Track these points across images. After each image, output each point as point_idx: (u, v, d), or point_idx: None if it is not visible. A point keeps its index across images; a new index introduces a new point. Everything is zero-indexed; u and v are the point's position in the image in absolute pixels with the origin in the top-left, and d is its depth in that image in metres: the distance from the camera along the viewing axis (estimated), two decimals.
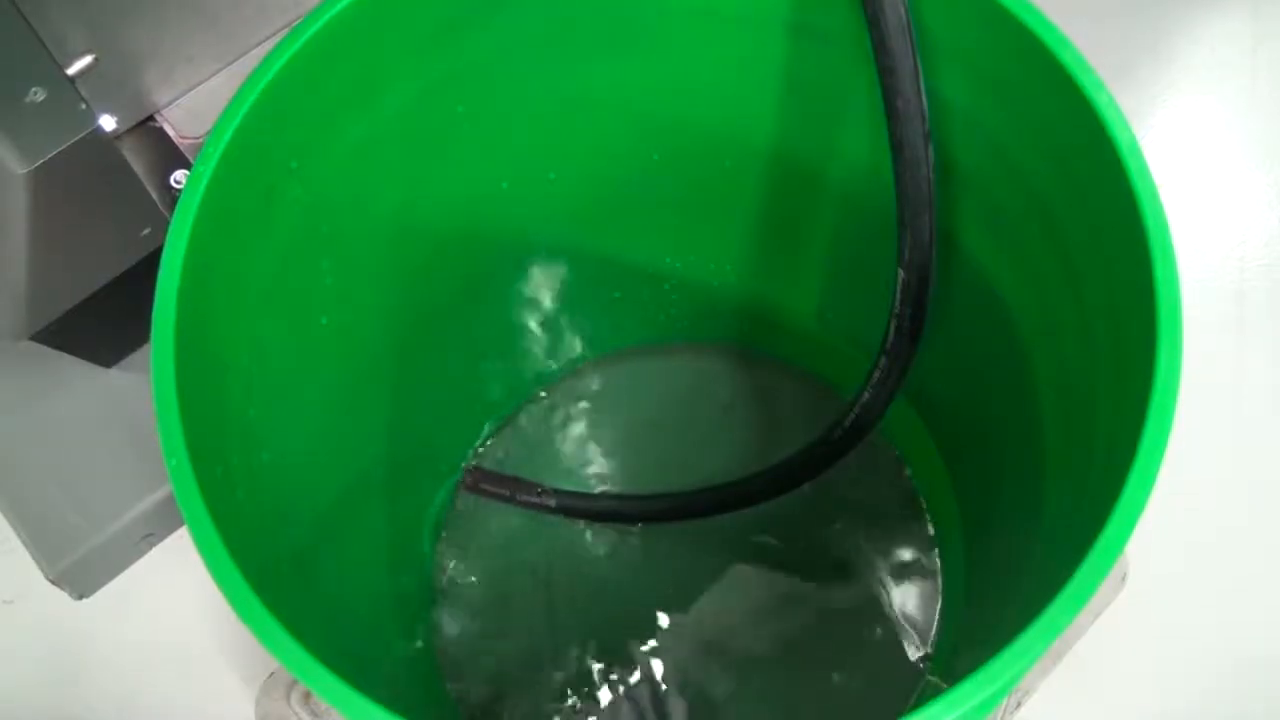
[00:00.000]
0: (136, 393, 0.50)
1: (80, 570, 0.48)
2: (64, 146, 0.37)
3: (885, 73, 0.31)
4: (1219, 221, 0.58)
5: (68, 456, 0.49)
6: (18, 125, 0.37)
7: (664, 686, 0.46)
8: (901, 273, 0.35)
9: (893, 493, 0.49)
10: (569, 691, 0.46)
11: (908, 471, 0.49)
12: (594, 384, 0.52)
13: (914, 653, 0.46)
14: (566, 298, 0.49)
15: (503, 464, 0.51)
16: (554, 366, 0.52)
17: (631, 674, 0.46)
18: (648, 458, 0.51)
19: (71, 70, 0.41)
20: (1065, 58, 0.28)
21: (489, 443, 0.51)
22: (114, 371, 0.50)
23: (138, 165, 0.46)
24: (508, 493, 0.50)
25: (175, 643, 0.50)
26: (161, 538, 0.51)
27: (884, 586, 0.47)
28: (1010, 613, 0.30)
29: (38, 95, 0.37)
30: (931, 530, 0.48)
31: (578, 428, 0.52)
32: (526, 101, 0.38)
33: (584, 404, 0.52)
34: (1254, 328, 0.55)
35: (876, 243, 0.37)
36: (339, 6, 0.31)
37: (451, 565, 0.49)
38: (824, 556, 0.48)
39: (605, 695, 0.46)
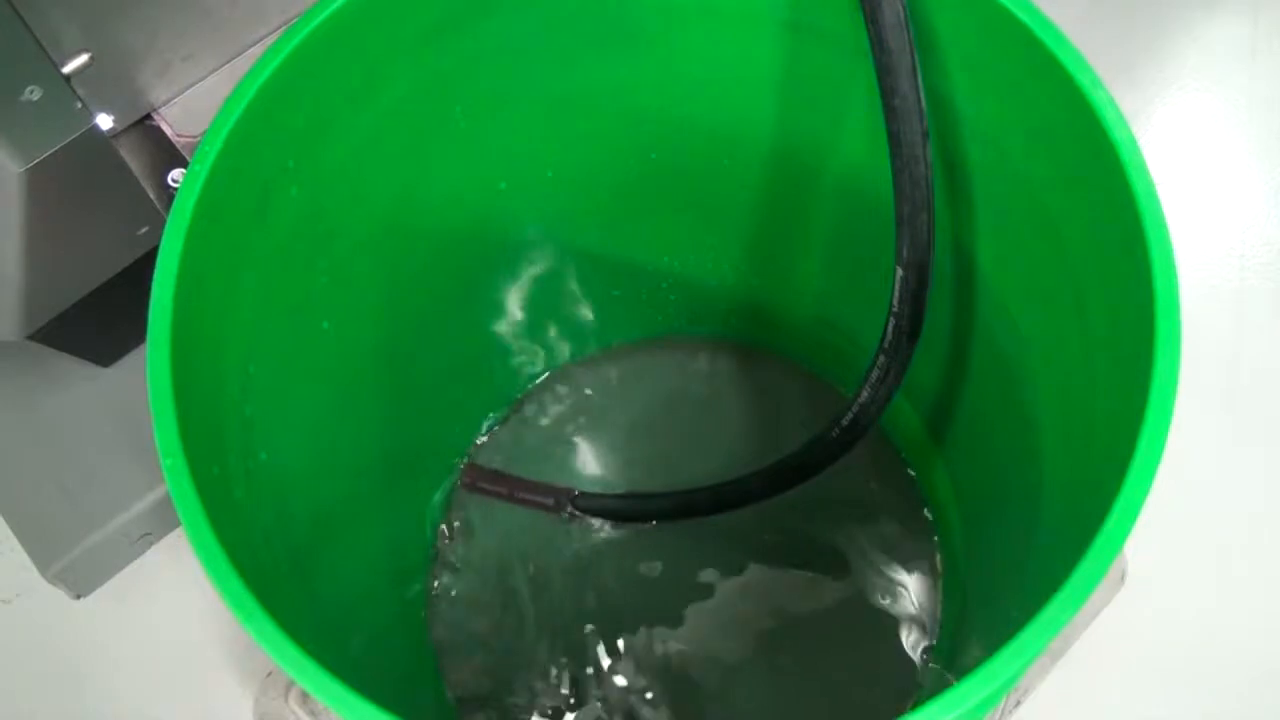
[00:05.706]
0: (134, 392, 0.50)
1: (78, 569, 0.48)
2: (60, 145, 0.37)
3: (883, 70, 0.31)
4: (1218, 220, 0.58)
5: (65, 456, 0.49)
6: (14, 124, 0.37)
7: (662, 684, 0.46)
8: (900, 271, 0.35)
9: (892, 490, 0.49)
10: (567, 690, 0.46)
11: (907, 469, 0.49)
12: (591, 382, 0.52)
13: (914, 650, 0.46)
14: (564, 296, 0.49)
15: (501, 462, 0.51)
16: (551, 365, 0.52)
17: (630, 671, 0.46)
18: (645, 455, 0.51)
19: (67, 69, 0.41)
20: (1063, 56, 0.28)
21: (487, 441, 0.51)
22: (111, 371, 0.50)
23: (135, 164, 0.46)
24: (505, 491, 0.49)
25: (173, 642, 0.50)
26: (159, 537, 0.51)
27: (883, 583, 0.47)
28: (1009, 610, 0.30)
29: (34, 94, 0.37)
30: (931, 527, 0.48)
31: (575, 426, 0.51)
32: (523, 100, 0.38)
33: (581, 402, 0.52)
34: (1253, 326, 0.55)
35: (875, 241, 0.37)
36: (335, 5, 0.31)
37: (449, 564, 0.49)
38: (822, 554, 0.48)
39: (603, 693, 0.46)
